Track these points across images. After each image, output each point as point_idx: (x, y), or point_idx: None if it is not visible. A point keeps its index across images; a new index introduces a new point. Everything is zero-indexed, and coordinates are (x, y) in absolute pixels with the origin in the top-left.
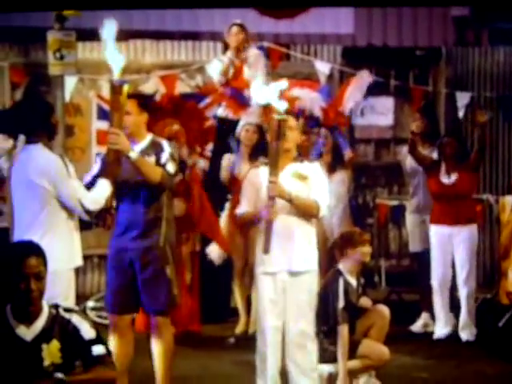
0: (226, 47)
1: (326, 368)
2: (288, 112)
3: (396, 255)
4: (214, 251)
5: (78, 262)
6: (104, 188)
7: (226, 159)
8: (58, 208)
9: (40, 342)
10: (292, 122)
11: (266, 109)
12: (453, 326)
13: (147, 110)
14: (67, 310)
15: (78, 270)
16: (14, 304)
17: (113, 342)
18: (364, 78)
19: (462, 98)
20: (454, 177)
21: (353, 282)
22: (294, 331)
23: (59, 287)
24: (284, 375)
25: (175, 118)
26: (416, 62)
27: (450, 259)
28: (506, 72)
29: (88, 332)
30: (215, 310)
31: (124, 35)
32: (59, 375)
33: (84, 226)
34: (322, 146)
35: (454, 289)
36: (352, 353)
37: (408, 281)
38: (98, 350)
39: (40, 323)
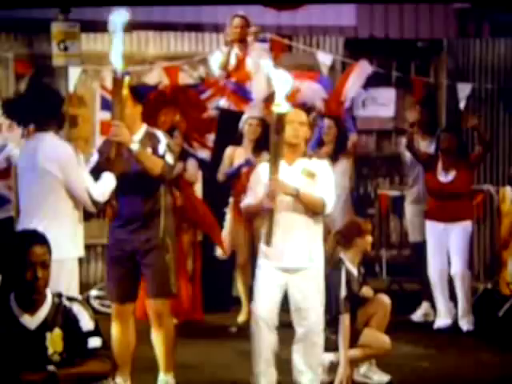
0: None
1: (328, 357)
2: (298, 106)
3: (397, 245)
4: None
5: (81, 252)
6: (110, 181)
7: (229, 151)
8: (65, 197)
9: (43, 330)
10: (303, 116)
11: (269, 102)
12: (453, 316)
13: (142, 102)
14: (70, 299)
15: (81, 260)
16: (19, 293)
17: (115, 330)
18: (363, 67)
19: (463, 90)
20: (451, 175)
21: (354, 271)
22: (302, 326)
23: (62, 276)
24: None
25: (175, 107)
26: (417, 54)
27: (446, 251)
28: (507, 64)
29: (87, 323)
30: (217, 299)
31: (128, 26)
32: (50, 368)
33: (85, 216)
34: (325, 136)
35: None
36: (353, 342)
37: (409, 271)
38: (93, 342)
39: (44, 312)
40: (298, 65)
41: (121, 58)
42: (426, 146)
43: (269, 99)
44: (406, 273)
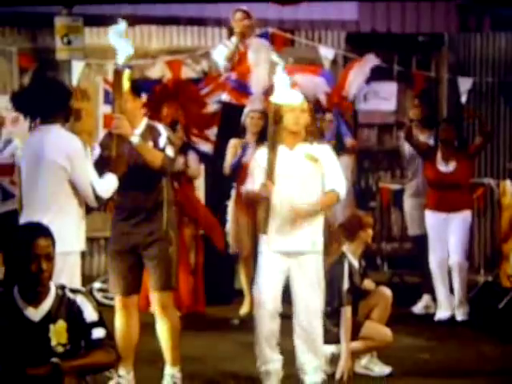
0: (231, 33)
1: (329, 348)
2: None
3: (398, 238)
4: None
5: (83, 246)
6: (113, 181)
7: (232, 144)
8: (69, 190)
9: (47, 322)
10: (304, 104)
11: (268, 95)
12: (453, 308)
13: (147, 95)
14: (74, 291)
15: (84, 252)
16: (23, 285)
17: (119, 322)
18: (369, 61)
19: (464, 83)
20: (451, 165)
21: (356, 264)
22: (302, 310)
23: (65, 270)
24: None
25: (174, 101)
26: (419, 48)
27: (446, 243)
28: (508, 58)
29: (91, 314)
30: (219, 292)
31: (131, 21)
32: (54, 360)
33: (87, 210)
34: (327, 130)
35: None
36: (355, 334)
37: (410, 263)
38: (98, 333)
39: (47, 304)
40: (300, 59)
41: (123, 52)
42: (425, 139)
43: (268, 92)
44: (407, 265)
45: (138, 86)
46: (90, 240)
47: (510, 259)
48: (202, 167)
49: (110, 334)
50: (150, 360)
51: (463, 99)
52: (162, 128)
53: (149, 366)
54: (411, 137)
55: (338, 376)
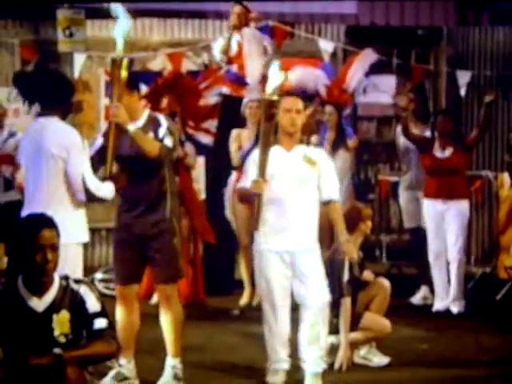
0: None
1: (328, 339)
2: (295, 94)
3: (397, 230)
4: None
5: (86, 237)
6: (108, 188)
7: (235, 134)
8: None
9: (51, 312)
10: (299, 105)
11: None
12: (450, 300)
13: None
14: (77, 281)
15: (86, 243)
16: (28, 275)
17: (120, 311)
18: (368, 55)
19: (463, 77)
20: (448, 151)
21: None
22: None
23: (67, 261)
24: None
25: (172, 93)
26: (418, 42)
27: (444, 234)
28: (506, 51)
29: (93, 305)
30: (220, 282)
31: (132, 14)
32: (56, 350)
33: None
34: (327, 123)
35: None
36: (354, 325)
37: (408, 255)
38: (100, 323)
39: (51, 294)
40: (299, 51)
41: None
42: (420, 133)
43: (264, 80)
44: (406, 257)
45: (135, 80)
46: (92, 231)
47: (509, 251)
48: (203, 159)
49: (112, 324)
50: (150, 350)
51: (462, 92)
52: (162, 118)
53: (150, 356)
54: (408, 130)
55: (337, 366)
